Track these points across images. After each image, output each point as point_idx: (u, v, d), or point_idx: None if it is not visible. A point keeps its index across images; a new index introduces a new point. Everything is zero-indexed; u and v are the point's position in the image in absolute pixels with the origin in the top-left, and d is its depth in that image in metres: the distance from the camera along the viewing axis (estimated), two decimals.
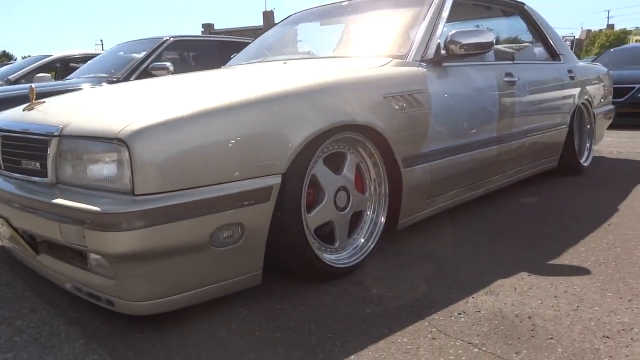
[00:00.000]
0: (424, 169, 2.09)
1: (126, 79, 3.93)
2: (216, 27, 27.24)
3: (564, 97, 3.22)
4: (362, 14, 2.69)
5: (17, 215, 1.57)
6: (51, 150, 1.49)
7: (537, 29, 3.31)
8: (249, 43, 3.54)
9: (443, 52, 2.24)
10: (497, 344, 1.37)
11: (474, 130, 2.38)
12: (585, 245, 2.13)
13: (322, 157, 1.78)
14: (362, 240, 1.96)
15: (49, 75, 4.85)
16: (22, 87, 3.64)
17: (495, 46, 2.78)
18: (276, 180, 1.55)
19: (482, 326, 1.47)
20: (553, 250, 2.11)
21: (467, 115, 2.34)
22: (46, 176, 1.52)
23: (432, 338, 1.41)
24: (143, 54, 4.12)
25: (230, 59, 3.13)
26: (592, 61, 6.55)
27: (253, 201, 1.50)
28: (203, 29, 26.72)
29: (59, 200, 1.39)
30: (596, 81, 3.72)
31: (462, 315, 1.55)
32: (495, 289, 1.74)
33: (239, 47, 4.20)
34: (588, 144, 3.62)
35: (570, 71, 3.31)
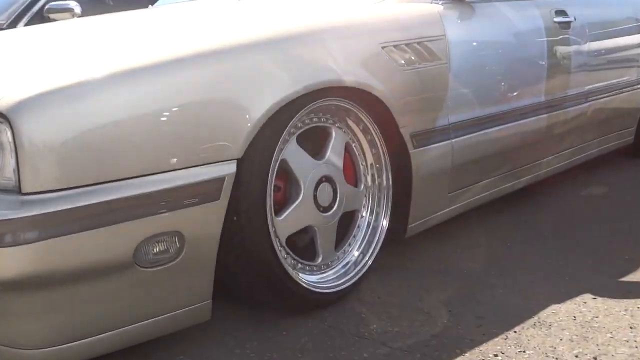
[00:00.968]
0: (442, 149, 2.11)
1: (12, 25, 3.87)
2: None
3: None
4: None
5: None
6: None
7: None
8: None
9: None
10: None
11: (513, 93, 2.40)
12: None
13: (295, 135, 1.78)
14: (356, 253, 1.97)
15: None
16: None
17: None
18: (229, 169, 1.55)
19: None
20: (627, 261, 2.14)
21: (502, 71, 2.35)
22: None
23: None
24: None
25: None
26: None
27: (196, 200, 1.50)
28: None
29: None
30: None
31: (499, 359, 1.57)
32: (547, 318, 1.76)
33: None
34: None
35: None
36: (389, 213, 2.02)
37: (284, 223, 1.75)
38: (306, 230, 1.85)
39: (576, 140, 2.89)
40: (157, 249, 1.47)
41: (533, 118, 2.51)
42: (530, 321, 1.74)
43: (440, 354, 1.59)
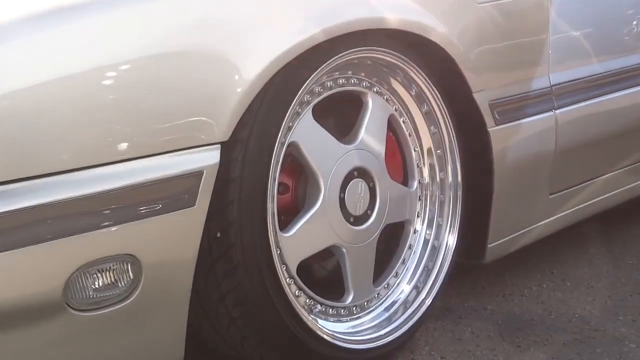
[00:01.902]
0: (540, 125, 2.14)
1: None
2: None
3: None
4: None
5: None
6: None
7: None
8: None
9: None
10: None
11: None
12: None
13: (310, 106, 1.79)
14: (407, 287, 2.00)
15: None
16: None
17: None
18: (208, 158, 1.56)
19: None
20: None
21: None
22: None
23: None
24: None
25: None
26: None
27: (158, 207, 1.50)
28: None
29: None
30: None
31: None
32: None
33: None
34: None
35: None
36: (457, 226, 2.03)
37: (295, 242, 1.75)
38: (329, 254, 1.86)
39: None
40: (100, 283, 1.48)
41: None
42: None
43: None
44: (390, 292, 1.95)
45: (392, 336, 1.89)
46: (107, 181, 1.44)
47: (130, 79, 1.49)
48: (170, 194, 1.51)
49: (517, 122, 2.05)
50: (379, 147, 1.89)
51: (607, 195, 2.40)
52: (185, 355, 1.61)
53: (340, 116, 1.87)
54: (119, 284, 1.49)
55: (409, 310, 1.94)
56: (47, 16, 1.47)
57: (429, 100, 1.95)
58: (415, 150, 1.99)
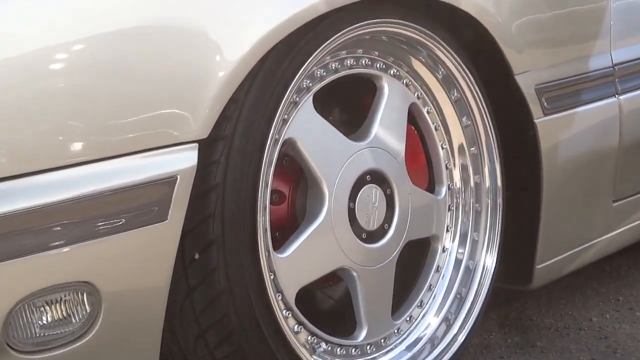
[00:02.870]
0: (600, 114, 2.12)
1: None
2: None
3: None
4: None
5: None
6: None
7: None
8: None
9: None
10: None
11: None
12: None
13: (311, 93, 1.81)
14: (435, 320, 2.02)
15: None
16: None
17: None
18: (184, 160, 1.57)
19: None
20: None
21: None
22: None
23: None
24: None
25: None
26: None
27: (121, 221, 1.51)
28: None
29: None
30: None
31: None
32: None
33: None
34: None
35: None
36: (497, 242, 2.04)
37: (293, 265, 1.78)
38: (336, 279, 1.88)
39: None
40: (48, 318, 1.49)
41: None
42: None
43: None
44: (413, 327, 1.97)
45: None
46: (56, 191, 1.44)
47: (84, 62, 1.49)
48: (136, 205, 1.52)
49: (571, 111, 2.07)
50: (398, 145, 1.91)
51: None
52: None
53: (349, 106, 1.88)
54: (73, 319, 1.50)
55: (437, 349, 1.95)
56: None
57: (460, 85, 1.97)
58: (443, 148, 2.01)
